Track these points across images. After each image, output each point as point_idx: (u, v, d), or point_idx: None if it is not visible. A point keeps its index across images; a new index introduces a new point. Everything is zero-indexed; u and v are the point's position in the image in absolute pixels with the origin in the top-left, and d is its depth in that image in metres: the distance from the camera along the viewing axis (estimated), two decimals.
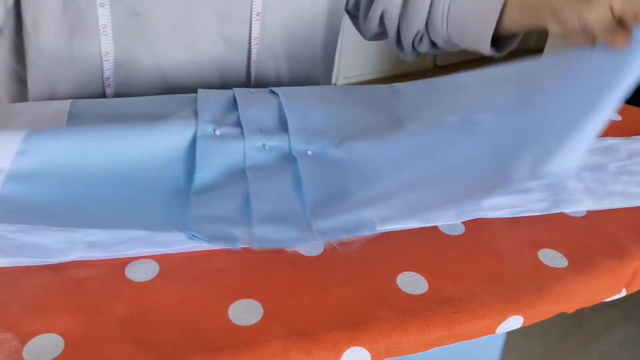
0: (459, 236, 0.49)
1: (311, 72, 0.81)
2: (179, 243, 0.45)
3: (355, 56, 1.65)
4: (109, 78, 0.69)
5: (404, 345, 0.40)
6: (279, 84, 0.77)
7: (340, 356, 0.38)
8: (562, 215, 0.53)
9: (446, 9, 0.71)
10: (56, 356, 0.35)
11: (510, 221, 0.52)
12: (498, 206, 0.53)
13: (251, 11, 0.70)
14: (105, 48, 0.67)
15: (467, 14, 0.70)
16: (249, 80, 0.75)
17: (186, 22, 0.68)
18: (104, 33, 0.65)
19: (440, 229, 0.50)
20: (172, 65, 0.70)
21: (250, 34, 0.71)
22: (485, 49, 0.68)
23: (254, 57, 0.73)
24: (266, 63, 0.75)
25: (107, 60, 0.67)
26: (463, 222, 0.51)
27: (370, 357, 0.39)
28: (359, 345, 0.38)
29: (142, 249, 0.44)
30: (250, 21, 0.70)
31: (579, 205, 0.54)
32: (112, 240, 0.44)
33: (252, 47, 0.72)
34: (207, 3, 0.68)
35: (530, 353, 0.96)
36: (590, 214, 0.54)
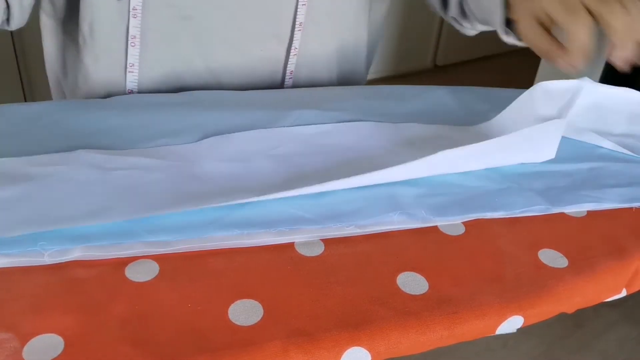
0: (459, 236, 0.49)
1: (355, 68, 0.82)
2: (179, 243, 0.45)
3: None
4: (131, 90, 0.69)
5: (404, 345, 0.40)
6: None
7: (341, 356, 0.38)
8: (562, 215, 0.53)
9: None
10: (56, 356, 0.35)
11: (510, 221, 0.52)
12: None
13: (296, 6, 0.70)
14: (132, 60, 0.67)
15: None
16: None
17: (239, 23, 0.68)
18: (132, 44, 0.65)
19: (440, 229, 0.50)
20: (225, 68, 0.70)
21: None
22: (497, 25, 0.63)
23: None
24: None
25: (132, 72, 0.67)
26: (463, 222, 0.51)
27: (370, 357, 0.39)
28: (359, 345, 0.38)
29: (142, 249, 0.44)
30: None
31: (579, 205, 0.54)
32: (112, 240, 0.44)
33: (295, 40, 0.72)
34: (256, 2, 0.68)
35: (530, 353, 0.96)
36: (591, 214, 0.54)
